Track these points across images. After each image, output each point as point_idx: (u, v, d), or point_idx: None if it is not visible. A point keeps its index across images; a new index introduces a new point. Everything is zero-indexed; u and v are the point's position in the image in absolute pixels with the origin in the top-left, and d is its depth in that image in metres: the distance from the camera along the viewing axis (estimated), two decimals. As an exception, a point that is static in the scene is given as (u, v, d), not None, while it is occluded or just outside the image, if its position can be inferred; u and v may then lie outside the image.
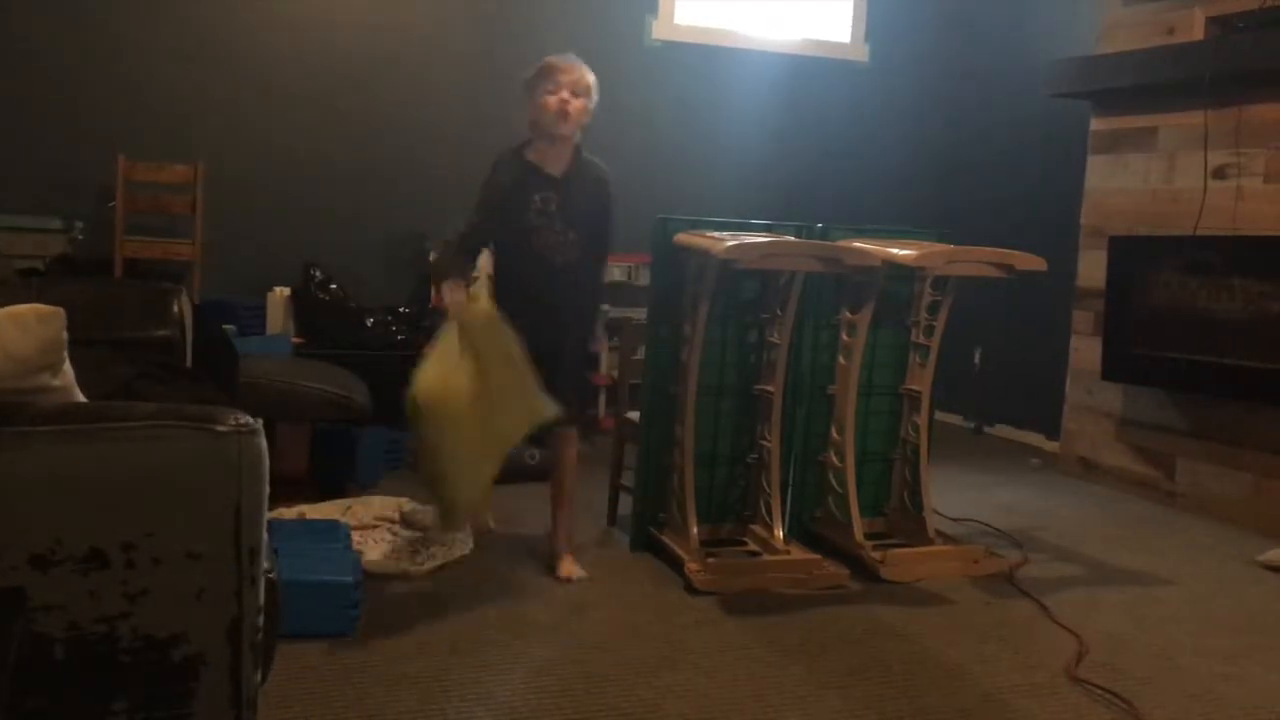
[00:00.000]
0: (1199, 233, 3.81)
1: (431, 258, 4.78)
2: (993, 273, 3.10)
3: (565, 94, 2.84)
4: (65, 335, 1.41)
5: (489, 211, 2.90)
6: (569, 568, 2.92)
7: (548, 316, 2.87)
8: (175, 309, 2.38)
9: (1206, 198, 3.81)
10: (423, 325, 4.38)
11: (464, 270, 2.91)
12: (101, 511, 1.27)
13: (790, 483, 3.27)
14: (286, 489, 3.05)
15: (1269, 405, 3.63)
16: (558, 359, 2.86)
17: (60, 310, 1.40)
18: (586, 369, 3.21)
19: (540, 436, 3.04)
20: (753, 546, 3.12)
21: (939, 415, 4.75)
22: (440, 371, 2.63)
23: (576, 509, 3.08)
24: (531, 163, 2.90)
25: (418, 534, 3.04)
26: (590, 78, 2.89)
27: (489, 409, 2.64)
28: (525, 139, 2.93)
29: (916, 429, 3.27)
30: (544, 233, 2.87)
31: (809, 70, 5.61)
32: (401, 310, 4.56)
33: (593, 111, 2.91)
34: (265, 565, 1.37)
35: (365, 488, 3.55)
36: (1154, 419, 4.08)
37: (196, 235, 4.36)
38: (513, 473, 3.35)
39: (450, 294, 2.81)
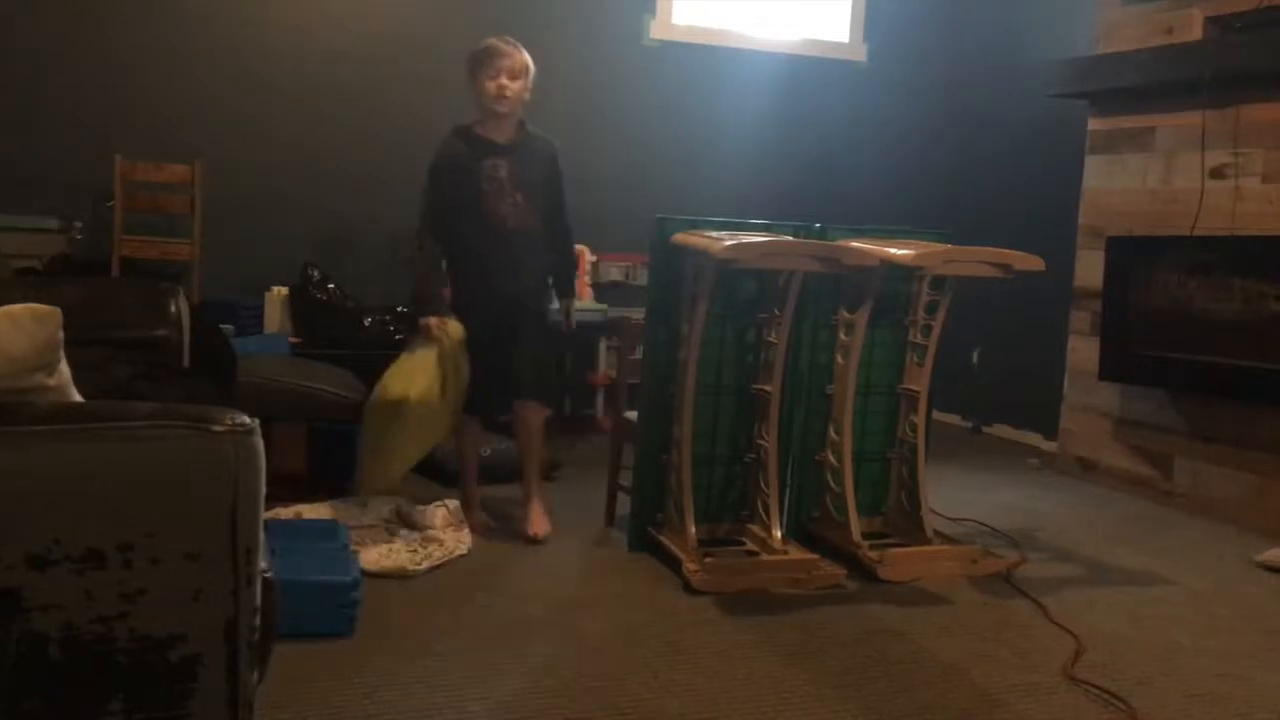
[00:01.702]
0: (1197, 233, 3.81)
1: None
2: (991, 272, 3.10)
3: (503, 79, 3.09)
4: (61, 335, 1.41)
5: (437, 184, 3.18)
6: (539, 522, 3.18)
7: (504, 280, 3.12)
8: (173, 309, 2.38)
9: (1204, 198, 3.81)
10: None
11: (441, 295, 3.20)
12: (98, 511, 1.27)
13: (788, 482, 3.27)
14: (285, 489, 3.05)
15: (1267, 405, 3.63)
16: (515, 332, 3.15)
17: (56, 310, 1.39)
18: (546, 340, 3.30)
19: (500, 415, 3.39)
20: (750, 546, 3.12)
21: (937, 415, 4.76)
22: (413, 378, 3.10)
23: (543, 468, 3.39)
24: (480, 135, 3.16)
25: (417, 534, 3.04)
26: (525, 59, 3.15)
27: (438, 408, 3.15)
28: (474, 119, 3.19)
29: (914, 429, 3.27)
30: (494, 197, 3.11)
31: (808, 70, 5.61)
32: (400, 310, 4.55)
33: (531, 89, 3.16)
34: (262, 565, 1.36)
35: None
36: (1152, 419, 4.08)
37: (195, 235, 4.36)
38: (510, 474, 3.35)
39: (436, 324, 3.12)
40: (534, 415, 3.25)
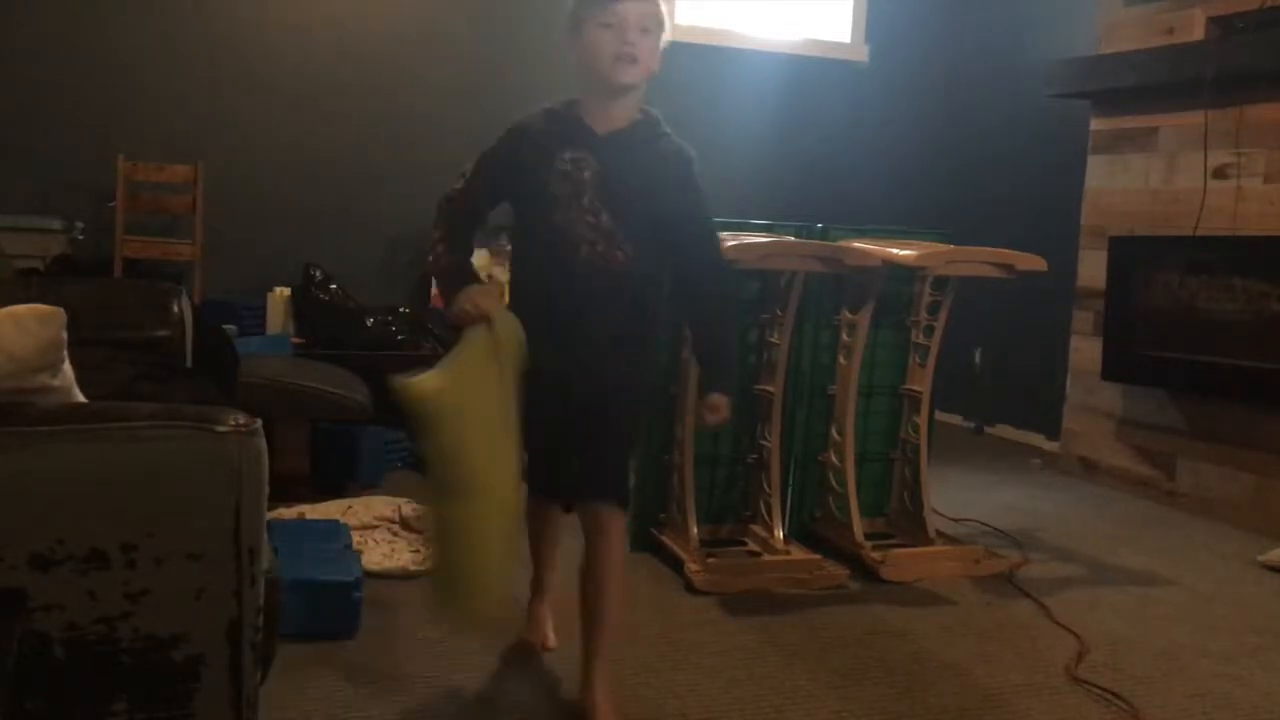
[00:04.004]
0: (1199, 233, 3.81)
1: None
2: (993, 273, 3.10)
3: (630, 32, 1.98)
4: (65, 335, 1.40)
5: (479, 168, 2.05)
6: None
7: (571, 339, 1.98)
8: (175, 309, 2.38)
9: (1207, 198, 3.81)
10: (424, 326, 4.38)
11: (465, 271, 2.02)
12: (102, 512, 1.27)
13: (790, 483, 3.27)
14: (286, 489, 3.05)
15: (1270, 405, 3.62)
16: (590, 417, 2.01)
17: (60, 310, 1.39)
18: (633, 433, 2.17)
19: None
20: (753, 547, 3.12)
21: (939, 415, 4.75)
22: (460, 374, 1.85)
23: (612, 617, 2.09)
24: (574, 115, 2.04)
25: (418, 534, 3.03)
26: (660, 6, 2.10)
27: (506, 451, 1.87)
28: (570, 98, 2.08)
29: (916, 429, 3.27)
30: (566, 206, 1.97)
31: (809, 70, 5.61)
32: (401, 310, 4.55)
33: (661, 58, 2.11)
34: (265, 565, 1.36)
35: (365, 488, 3.54)
36: (1154, 419, 4.08)
37: (196, 235, 4.36)
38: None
39: (480, 295, 1.92)
40: (609, 538, 2.03)
